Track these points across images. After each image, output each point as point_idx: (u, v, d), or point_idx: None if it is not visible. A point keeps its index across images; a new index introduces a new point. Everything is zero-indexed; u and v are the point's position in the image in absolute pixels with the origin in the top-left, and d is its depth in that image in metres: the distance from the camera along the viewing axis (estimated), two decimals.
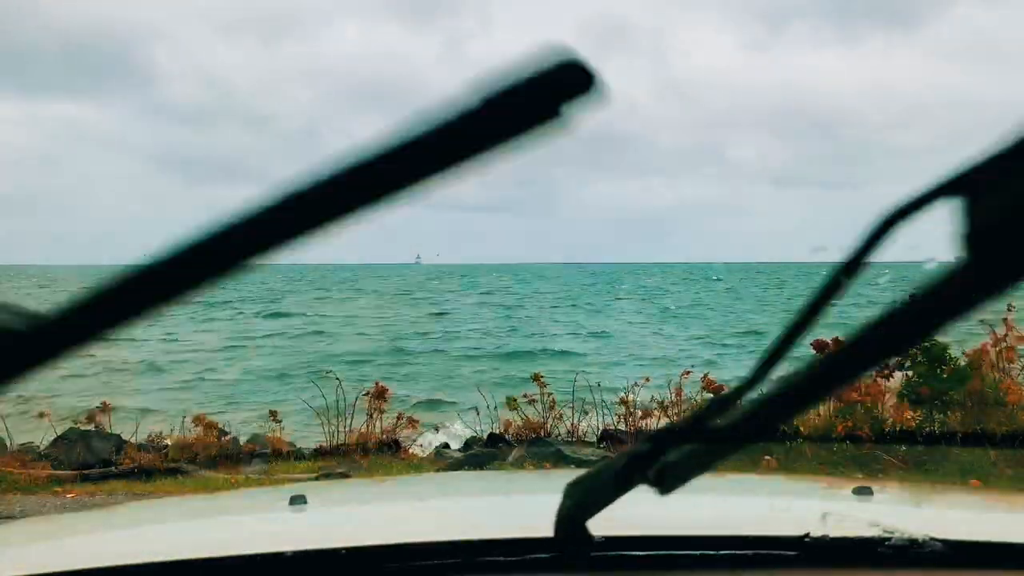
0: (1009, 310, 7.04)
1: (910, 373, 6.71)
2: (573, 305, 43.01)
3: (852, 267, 0.62)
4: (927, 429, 6.35)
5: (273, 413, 8.22)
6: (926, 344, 6.61)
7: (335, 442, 7.67)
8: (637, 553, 1.12)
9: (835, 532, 1.14)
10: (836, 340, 7.22)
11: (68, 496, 6.08)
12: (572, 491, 1.02)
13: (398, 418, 8.00)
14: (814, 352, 7.32)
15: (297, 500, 1.50)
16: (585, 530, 1.04)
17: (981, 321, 7.24)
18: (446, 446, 8.37)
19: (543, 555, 1.09)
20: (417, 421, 8.14)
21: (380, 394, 7.90)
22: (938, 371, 6.50)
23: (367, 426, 7.76)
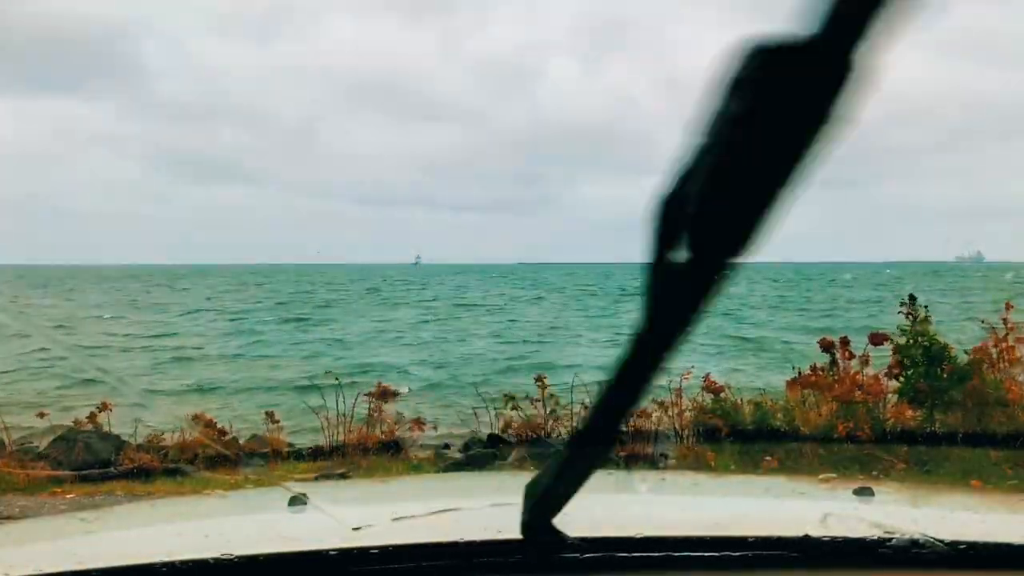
0: (1008, 309, 7.03)
1: (909, 372, 6.69)
2: None
3: (658, 266, 0.68)
4: (928, 429, 6.35)
5: (270, 414, 8.21)
6: (925, 344, 6.60)
7: (334, 442, 7.67)
8: (622, 554, 1.12)
9: (835, 532, 1.14)
10: (844, 339, 7.22)
11: (67, 496, 6.08)
12: (532, 490, 1.02)
13: (398, 418, 8.00)
14: (821, 350, 7.32)
15: (297, 500, 1.50)
16: (554, 530, 1.04)
17: (981, 321, 7.23)
18: (446, 447, 8.37)
19: (512, 558, 1.09)
20: (424, 423, 8.13)
21: (381, 395, 7.90)
22: (938, 370, 6.49)
23: (367, 426, 7.75)
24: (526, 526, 1.04)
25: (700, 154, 0.60)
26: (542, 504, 1.03)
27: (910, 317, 6.76)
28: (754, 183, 0.59)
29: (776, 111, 0.56)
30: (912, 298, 6.82)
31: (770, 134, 0.57)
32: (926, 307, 6.83)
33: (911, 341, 6.65)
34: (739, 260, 0.63)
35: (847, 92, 0.54)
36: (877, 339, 6.92)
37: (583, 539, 1.09)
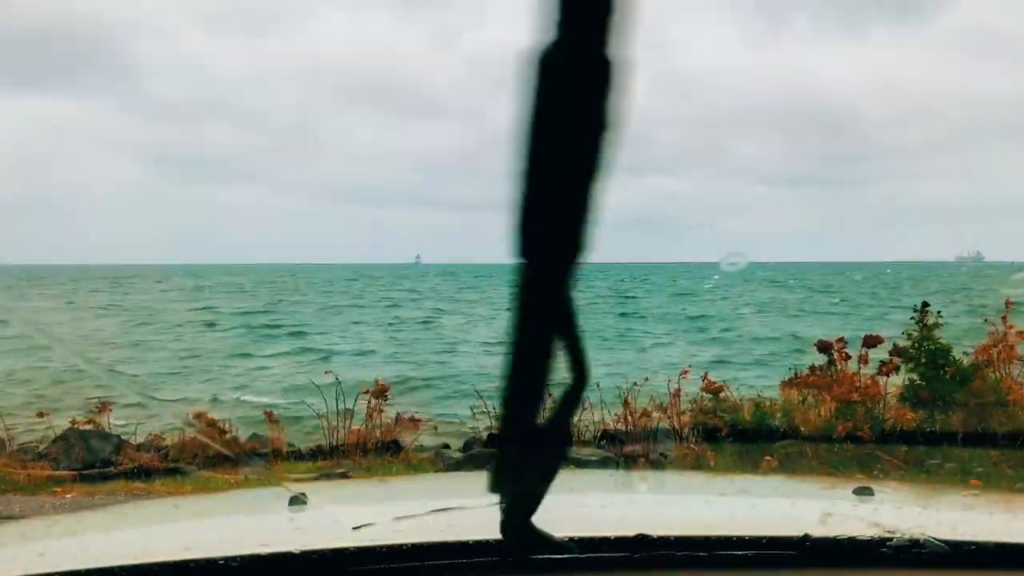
0: (1007, 307, 7.02)
1: (913, 376, 6.68)
2: None
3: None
4: (928, 429, 6.35)
5: (269, 414, 8.20)
6: (930, 347, 6.60)
7: (335, 442, 7.66)
8: (620, 554, 1.12)
9: (835, 532, 1.14)
10: (840, 340, 7.21)
11: (68, 496, 6.08)
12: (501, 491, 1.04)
13: (397, 418, 7.99)
14: (817, 351, 7.32)
15: (297, 500, 1.50)
16: (535, 530, 1.05)
17: (985, 320, 7.23)
18: (446, 447, 8.37)
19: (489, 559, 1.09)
20: (419, 421, 8.12)
21: (380, 393, 7.89)
22: (941, 372, 6.48)
23: (366, 426, 7.75)
24: (504, 527, 1.05)
25: (521, 165, 0.63)
26: (517, 505, 1.04)
27: (921, 324, 6.75)
28: (561, 185, 0.63)
29: (556, 113, 0.60)
30: (925, 304, 6.81)
31: (559, 137, 0.61)
32: (939, 312, 6.82)
33: (914, 345, 6.64)
34: (580, 260, 0.67)
35: (611, 86, 0.57)
36: (871, 341, 6.92)
37: (576, 539, 1.09)
